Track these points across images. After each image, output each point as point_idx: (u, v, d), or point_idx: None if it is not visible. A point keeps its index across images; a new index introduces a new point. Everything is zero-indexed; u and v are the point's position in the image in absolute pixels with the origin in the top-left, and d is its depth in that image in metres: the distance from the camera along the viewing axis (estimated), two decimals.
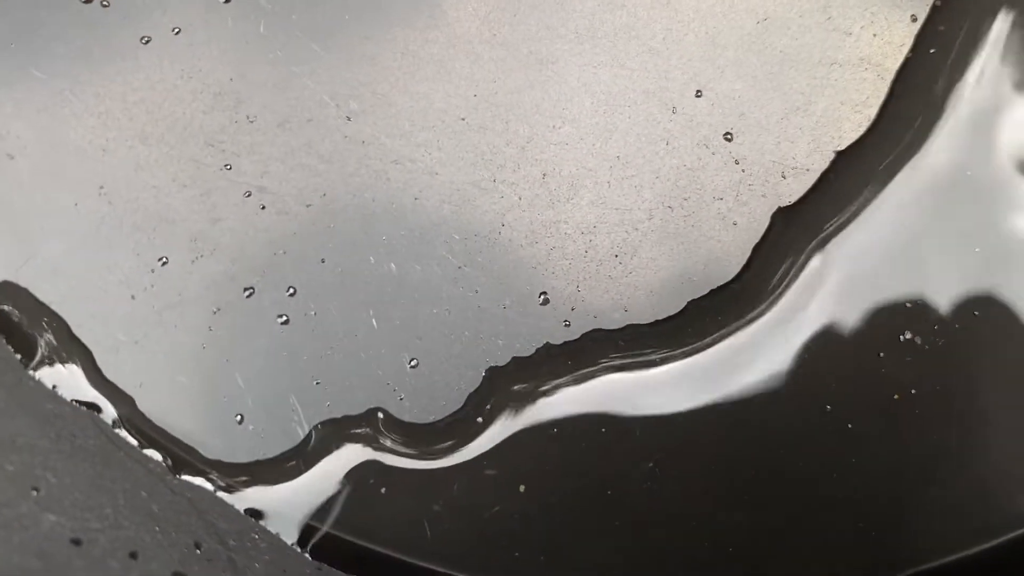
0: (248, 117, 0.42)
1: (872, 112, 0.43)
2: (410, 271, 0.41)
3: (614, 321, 0.41)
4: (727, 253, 0.42)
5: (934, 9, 0.44)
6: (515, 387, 0.41)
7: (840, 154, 0.43)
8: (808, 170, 0.43)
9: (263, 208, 0.41)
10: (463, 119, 0.42)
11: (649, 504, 0.40)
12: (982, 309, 0.41)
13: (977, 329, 0.41)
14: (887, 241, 0.42)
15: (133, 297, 0.41)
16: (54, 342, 0.40)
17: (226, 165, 0.41)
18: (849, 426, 0.41)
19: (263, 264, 0.41)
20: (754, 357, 0.41)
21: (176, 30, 0.42)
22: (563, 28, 0.43)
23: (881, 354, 0.41)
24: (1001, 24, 0.43)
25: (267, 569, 0.39)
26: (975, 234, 0.42)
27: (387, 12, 0.42)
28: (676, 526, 0.40)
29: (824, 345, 0.41)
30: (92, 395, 0.40)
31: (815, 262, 0.42)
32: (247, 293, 0.41)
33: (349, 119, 0.42)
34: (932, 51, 0.43)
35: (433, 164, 0.42)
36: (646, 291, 0.42)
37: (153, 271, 0.41)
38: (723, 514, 0.41)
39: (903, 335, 0.41)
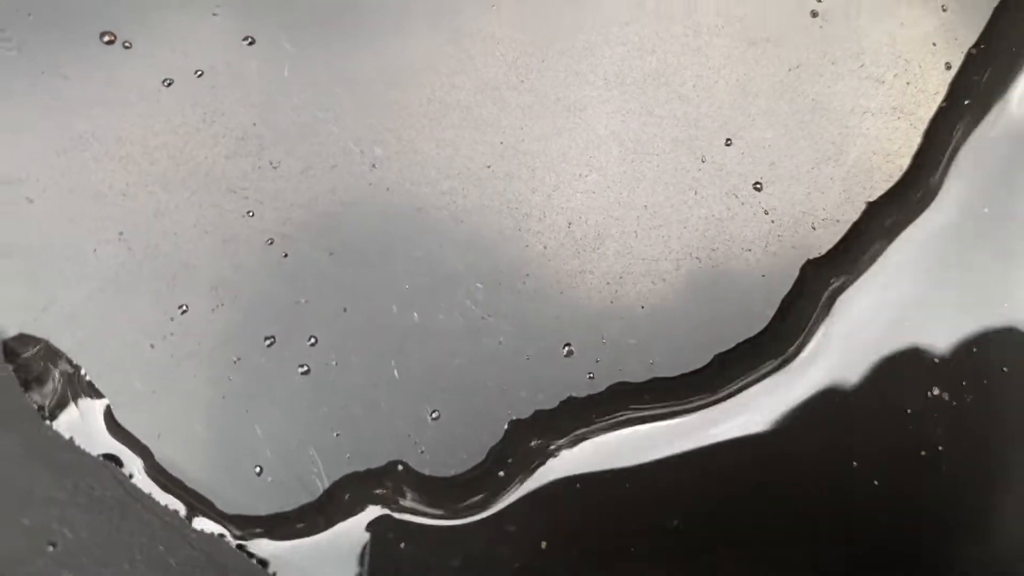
0: (271, 163, 0.41)
1: (904, 162, 0.43)
2: (433, 320, 0.41)
3: (639, 374, 0.41)
4: (755, 305, 0.41)
5: (969, 56, 0.43)
6: (537, 441, 0.40)
7: (871, 205, 0.42)
8: (839, 221, 0.42)
9: (285, 256, 0.41)
10: (489, 167, 0.41)
11: (673, 564, 0.40)
12: (1011, 365, 0.41)
13: (1006, 386, 0.41)
14: (914, 295, 0.41)
15: (152, 346, 0.40)
16: (71, 391, 0.40)
17: (248, 212, 0.41)
18: (875, 483, 0.40)
19: (284, 313, 0.40)
20: (779, 413, 0.41)
21: (199, 72, 0.41)
22: (592, 74, 0.42)
23: (908, 410, 0.41)
24: None
25: None
26: (1003, 289, 0.41)
27: (414, 57, 0.42)
28: None
29: (850, 401, 0.41)
30: (109, 445, 0.40)
31: (841, 316, 0.41)
32: (268, 342, 0.40)
33: (374, 166, 0.41)
34: (967, 102, 0.43)
35: (458, 212, 0.41)
36: (672, 343, 0.41)
37: (172, 319, 0.40)
38: (747, 572, 0.40)
39: (931, 391, 0.41)
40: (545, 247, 0.41)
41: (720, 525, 0.40)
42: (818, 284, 0.42)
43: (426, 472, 0.40)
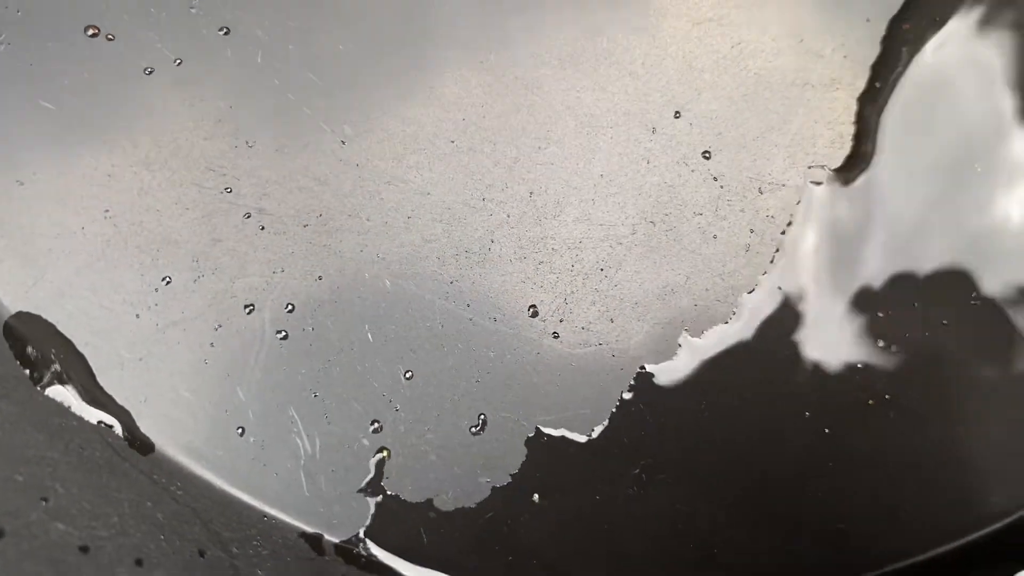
0: (247, 142, 0.44)
1: (844, 129, 0.45)
2: (404, 287, 0.43)
3: (602, 331, 0.43)
4: (708, 265, 0.44)
5: (902, 32, 0.46)
6: (506, 397, 0.42)
7: (815, 169, 0.45)
8: (784, 185, 0.44)
9: (262, 228, 0.43)
10: (453, 142, 0.44)
11: (635, 508, 0.42)
12: (950, 319, 0.43)
13: (946, 337, 0.43)
14: (857, 253, 0.43)
15: (137, 316, 0.42)
16: (61, 360, 0.42)
17: (226, 188, 0.43)
18: (827, 431, 0.42)
19: (262, 282, 0.43)
20: (734, 368, 0.43)
21: (178, 61, 0.44)
22: (547, 55, 0.45)
23: (856, 362, 0.43)
24: (961, 45, 0.45)
25: None
26: (945, 247, 0.43)
27: (379, 42, 0.44)
28: (662, 529, 0.42)
29: (802, 353, 0.43)
30: (98, 410, 0.42)
31: (789, 273, 0.43)
32: (247, 310, 0.43)
33: (344, 143, 0.44)
34: (900, 69, 0.45)
35: (425, 184, 0.44)
36: (631, 302, 0.43)
37: (157, 290, 0.43)
38: (706, 516, 0.42)
39: (877, 343, 0.43)
40: (508, 215, 0.44)
41: (678, 472, 0.42)
42: (767, 242, 0.44)
43: (401, 429, 0.42)
